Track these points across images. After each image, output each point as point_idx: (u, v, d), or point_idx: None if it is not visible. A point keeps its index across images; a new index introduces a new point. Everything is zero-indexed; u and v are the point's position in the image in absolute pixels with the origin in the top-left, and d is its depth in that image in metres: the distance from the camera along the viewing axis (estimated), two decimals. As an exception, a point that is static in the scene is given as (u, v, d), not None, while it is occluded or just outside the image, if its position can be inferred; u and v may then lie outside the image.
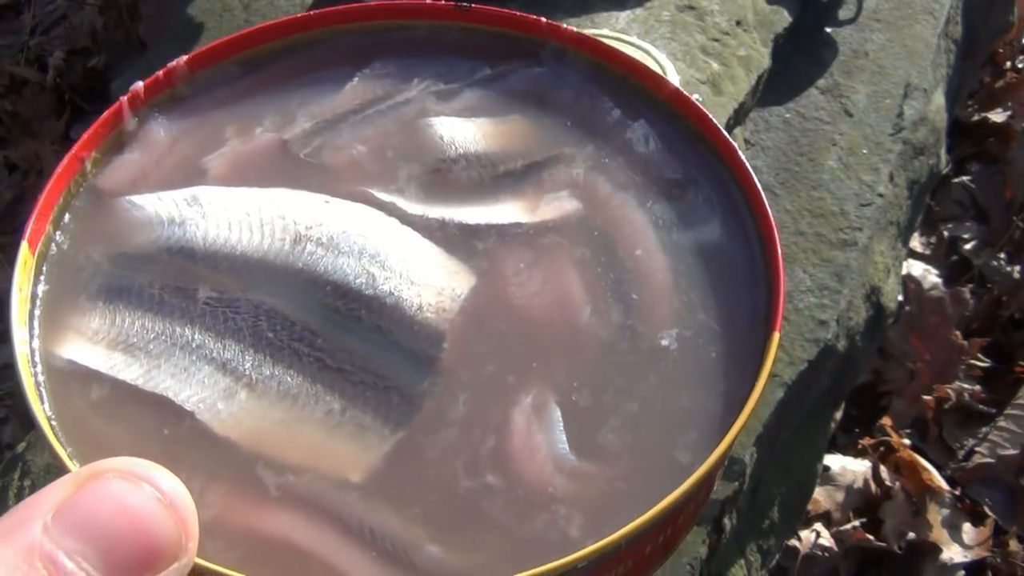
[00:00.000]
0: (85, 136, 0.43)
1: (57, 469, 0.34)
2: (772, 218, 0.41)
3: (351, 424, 0.37)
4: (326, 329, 0.39)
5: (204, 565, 0.31)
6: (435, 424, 0.37)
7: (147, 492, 0.27)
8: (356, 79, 0.48)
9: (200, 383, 0.38)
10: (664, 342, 0.39)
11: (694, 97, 0.44)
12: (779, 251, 0.40)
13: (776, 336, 0.37)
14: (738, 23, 1.04)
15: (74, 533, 0.26)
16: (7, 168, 1.75)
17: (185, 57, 0.46)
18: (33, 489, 0.78)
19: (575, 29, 0.48)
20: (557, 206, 0.44)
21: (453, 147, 0.45)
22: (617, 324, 0.40)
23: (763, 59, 1.03)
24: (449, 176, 0.45)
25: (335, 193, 0.43)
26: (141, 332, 0.39)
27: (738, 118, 0.99)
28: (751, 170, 0.42)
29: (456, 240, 0.42)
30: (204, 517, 0.34)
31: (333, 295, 0.40)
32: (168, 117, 0.46)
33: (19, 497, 0.78)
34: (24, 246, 0.39)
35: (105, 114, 0.44)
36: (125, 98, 0.44)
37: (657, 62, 0.95)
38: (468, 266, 0.41)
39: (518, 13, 0.48)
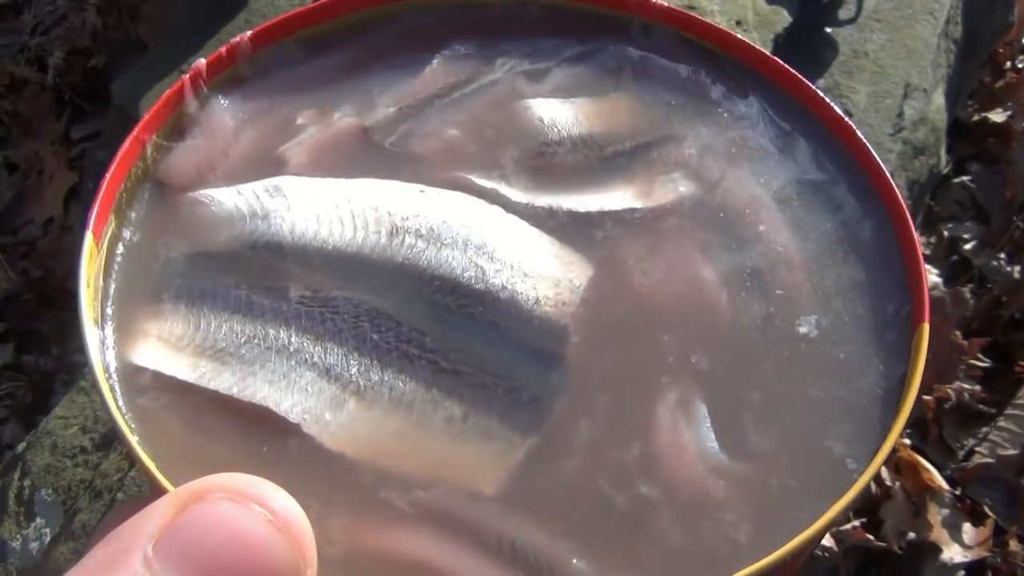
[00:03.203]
0: (146, 117, 0.40)
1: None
2: (897, 192, 0.38)
3: (475, 431, 0.33)
4: (435, 329, 0.36)
5: None
6: (570, 427, 0.34)
7: (257, 514, 0.24)
8: (435, 62, 0.45)
9: (303, 391, 0.34)
10: (803, 329, 0.37)
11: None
12: (913, 232, 0.37)
13: (926, 327, 0.34)
14: (738, 23, 1.04)
15: (179, 566, 0.23)
16: (7, 168, 1.76)
17: (248, 32, 0.43)
18: (33, 489, 0.77)
19: (664, 3, 0.45)
20: (671, 188, 0.41)
21: (555, 129, 0.42)
22: (754, 309, 0.37)
23: (763, 59, 1.03)
24: (554, 160, 0.41)
25: (429, 182, 0.40)
26: (230, 336, 0.35)
27: (738, 118, 0.99)
28: (866, 141, 0.41)
29: (569, 229, 0.39)
30: (331, 553, 0.31)
31: (440, 291, 0.36)
32: (231, 101, 0.43)
33: (19, 497, 0.77)
34: (88, 236, 0.35)
35: (166, 93, 0.41)
36: (187, 76, 0.42)
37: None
38: (586, 256, 0.38)
39: None
